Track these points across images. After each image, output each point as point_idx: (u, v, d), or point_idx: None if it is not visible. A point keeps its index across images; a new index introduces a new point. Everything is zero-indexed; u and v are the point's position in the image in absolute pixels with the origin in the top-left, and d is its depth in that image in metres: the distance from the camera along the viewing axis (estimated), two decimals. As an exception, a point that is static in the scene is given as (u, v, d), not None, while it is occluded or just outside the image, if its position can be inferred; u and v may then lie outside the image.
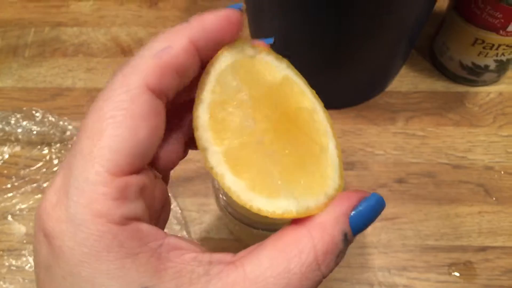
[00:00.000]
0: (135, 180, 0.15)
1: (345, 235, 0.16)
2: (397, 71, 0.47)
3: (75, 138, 0.43)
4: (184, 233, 0.39)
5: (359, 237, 0.39)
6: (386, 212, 0.40)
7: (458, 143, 0.44)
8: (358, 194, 0.17)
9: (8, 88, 0.48)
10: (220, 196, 0.35)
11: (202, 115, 0.17)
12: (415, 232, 0.39)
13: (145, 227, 0.15)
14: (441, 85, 0.47)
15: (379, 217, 0.40)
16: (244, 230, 0.35)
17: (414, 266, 0.38)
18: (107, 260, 0.14)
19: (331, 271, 0.16)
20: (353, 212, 0.16)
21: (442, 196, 0.41)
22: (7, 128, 0.43)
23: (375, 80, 0.46)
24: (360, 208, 0.16)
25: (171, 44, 0.15)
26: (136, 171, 0.15)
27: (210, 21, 0.16)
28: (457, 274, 0.38)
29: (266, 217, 0.17)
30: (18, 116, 0.42)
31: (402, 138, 0.44)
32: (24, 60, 0.51)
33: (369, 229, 0.40)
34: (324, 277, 0.16)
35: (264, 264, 0.15)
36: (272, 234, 0.17)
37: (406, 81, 0.48)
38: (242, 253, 0.16)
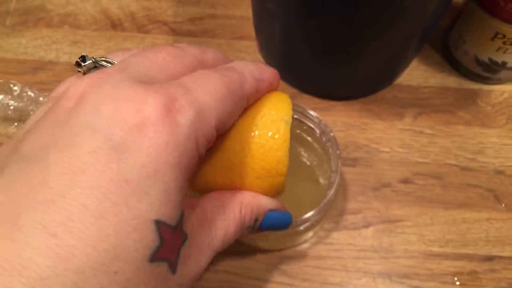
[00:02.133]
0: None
1: (256, 220, 0.21)
2: (408, 63, 0.43)
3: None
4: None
5: (359, 239, 0.36)
6: (389, 214, 0.38)
7: (468, 144, 0.41)
8: (279, 204, 0.23)
9: (-15, 58, 0.44)
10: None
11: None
12: (419, 237, 0.37)
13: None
14: (452, 81, 0.44)
15: (381, 220, 0.37)
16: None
17: (417, 273, 0.35)
18: (180, 173, 0.15)
19: (236, 236, 0.20)
20: (269, 212, 0.21)
21: (449, 199, 0.38)
22: (-20, 102, 0.39)
23: (384, 72, 0.42)
24: (275, 214, 0.22)
25: (265, 79, 0.20)
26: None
27: (278, 74, 0.22)
28: (458, 283, 0.35)
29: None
30: (-6, 89, 0.39)
31: (409, 136, 0.41)
32: (4, 28, 0.46)
33: (370, 231, 0.37)
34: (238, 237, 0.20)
35: (215, 211, 0.19)
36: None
37: (416, 74, 0.45)
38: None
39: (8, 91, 0.39)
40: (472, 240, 0.37)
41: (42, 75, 0.44)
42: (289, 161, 0.22)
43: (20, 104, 0.39)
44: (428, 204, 0.38)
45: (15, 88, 0.39)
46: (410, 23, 0.35)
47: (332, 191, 0.32)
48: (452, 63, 0.45)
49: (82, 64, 0.19)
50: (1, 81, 0.39)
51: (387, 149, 0.41)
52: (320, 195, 0.34)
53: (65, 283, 0.12)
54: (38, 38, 0.46)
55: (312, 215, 0.31)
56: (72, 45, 0.46)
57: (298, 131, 0.36)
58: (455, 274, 0.36)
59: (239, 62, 0.20)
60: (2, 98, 0.39)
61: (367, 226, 0.37)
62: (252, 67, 0.20)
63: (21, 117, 0.40)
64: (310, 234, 0.36)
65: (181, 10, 0.48)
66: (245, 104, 0.20)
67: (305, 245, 0.37)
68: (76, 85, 0.16)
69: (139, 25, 0.47)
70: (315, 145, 0.36)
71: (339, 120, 0.42)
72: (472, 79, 0.44)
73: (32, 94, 0.39)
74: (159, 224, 0.14)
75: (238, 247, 0.36)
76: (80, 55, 0.19)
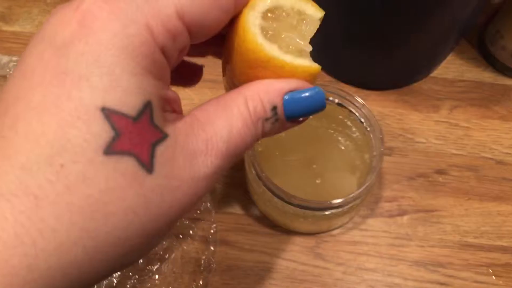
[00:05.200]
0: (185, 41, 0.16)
1: (274, 108, 0.18)
2: (445, 57, 0.44)
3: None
4: (208, 205, 0.36)
5: (394, 227, 0.37)
6: (424, 203, 0.38)
7: (503, 138, 0.41)
8: (300, 83, 0.18)
9: (26, 33, 0.45)
10: (255, 165, 0.32)
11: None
12: (454, 227, 0.37)
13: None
14: (488, 76, 0.44)
15: (417, 209, 0.37)
16: (275, 205, 0.32)
17: (451, 263, 0.36)
18: (138, 58, 0.15)
19: (264, 132, 0.18)
20: (289, 94, 0.18)
21: (484, 192, 0.38)
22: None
23: (421, 64, 0.43)
24: (298, 93, 0.18)
25: None
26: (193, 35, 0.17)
27: None
28: (494, 276, 0.35)
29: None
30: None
31: (445, 128, 0.41)
32: (45, 6, 0.47)
33: (405, 219, 0.37)
34: (258, 136, 0.18)
35: (212, 113, 0.17)
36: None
37: (452, 68, 0.45)
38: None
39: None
40: (507, 233, 0.37)
41: (81, 53, 0.44)
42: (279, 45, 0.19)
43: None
44: (463, 195, 0.38)
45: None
46: (450, 15, 0.36)
47: (374, 175, 0.32)
48: (488, 58, 0.45)
49: None
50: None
51: (422, 140, 0.41)
52: (356, 182, 0.35)
53: (11, 180, 0.13)
54: (77, 17, 0.47)
55: (353, 197, 0.31)
56: (111, 25, 0.46)
57: (340, 117, 0.36)
58: (489, 265, 0.36)
59: None
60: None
61: (402, 214, 0.37)
62: None
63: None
64: (346, 219, 0.36)
65: None
66: (232, 9, 0.18)
67: (340, 230, 0.37)
68: None
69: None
70: (355, 131, 0.36)
71: (374, 110, 0.42)
72: (507, 75, 0.44)
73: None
74: (108, 112, 0.14)
75: (274, 229, 0.36)
76: None
